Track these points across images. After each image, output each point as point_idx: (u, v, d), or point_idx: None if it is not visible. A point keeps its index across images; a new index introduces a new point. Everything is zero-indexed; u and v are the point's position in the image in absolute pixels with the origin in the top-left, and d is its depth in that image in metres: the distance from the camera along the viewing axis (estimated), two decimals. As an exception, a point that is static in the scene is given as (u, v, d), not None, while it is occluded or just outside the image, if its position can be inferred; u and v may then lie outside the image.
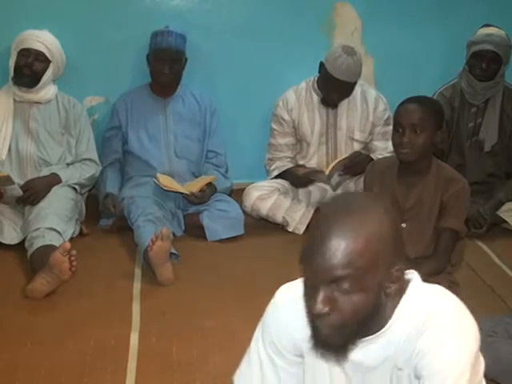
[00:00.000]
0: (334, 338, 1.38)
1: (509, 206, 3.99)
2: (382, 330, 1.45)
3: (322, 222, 1.39)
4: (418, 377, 1.44)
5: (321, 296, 1.35)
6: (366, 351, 1.47)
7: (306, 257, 1.38)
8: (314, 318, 1.39)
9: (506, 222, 3.99)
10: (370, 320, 1.40)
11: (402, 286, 1.44)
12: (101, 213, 3.92)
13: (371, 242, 1.34)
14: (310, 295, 1.39)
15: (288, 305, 1.59)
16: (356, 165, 3.91)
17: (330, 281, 1.34)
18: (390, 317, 1.44)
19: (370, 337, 1.45)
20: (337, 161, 3.92)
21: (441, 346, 1.40)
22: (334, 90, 3.93)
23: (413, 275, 1.49)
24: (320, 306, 1.35)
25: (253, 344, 1.67)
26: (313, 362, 1.56)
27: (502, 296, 3.13)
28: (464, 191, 2.86)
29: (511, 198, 3.99)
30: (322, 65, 3.94)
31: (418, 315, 1.43)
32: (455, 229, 2.85)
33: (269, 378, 1.63)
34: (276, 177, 4.14)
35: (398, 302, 1.44)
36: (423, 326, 1.42)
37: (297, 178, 4.04)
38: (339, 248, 1.33)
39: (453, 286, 2.58)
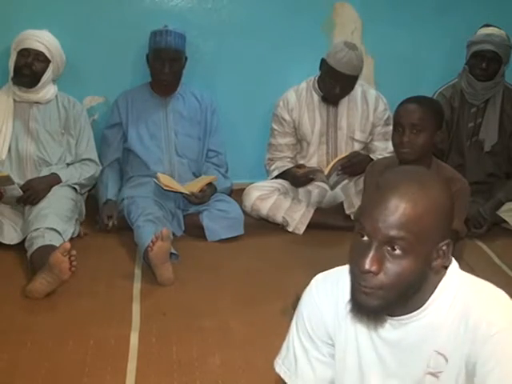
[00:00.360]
0: (373, 300, 1.40)
1: (509, 206, 3.99)
2: (420, 310, 1.47)
3: (387, 182, 1.42)
4: (471, 364, 1.44)
5: (372, 254, 1.37)
6: (403, 330, 1.49)
7: (364, 212, 1.41)
8: (359, 276, 1.40)
9: (506, 221, 3.99)
10: (411, 292, 1.41)
11: (446, 264, 1.46)
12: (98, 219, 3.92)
13: (429, 212, 1.38)
14: (359, 253, 1.40)
15: (322, 292, 1.61)
16: (354, 165, 3.92)
17: (384, 241, 1.37)
18: (429, 297, 1.47)
19: (408, 315, 1.47)
20: (336, 160, 3.92)
21: (497, 333, 1.41)
22: (335, 84, 3.92)
23: (452, 261, 1.51)
24: (369, 264, 1.37)
25: (290, 332, 1.69)
26: (345, 345, 1.58)
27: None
28: (464, 191, 2.86)
29: (511, 197, 4.00)
30: (323, 61, 3.95)
31: (459, 300, 1.46)
32: (455, 228, 2.85)
33: (302, 368, 1.65)
34: (276, 177, 4.14)
35: (438, 282, 1.47)
36: (468, 313, 1.44)
37: (296, 177, 4.04)
38: (399, 209, 1.36)
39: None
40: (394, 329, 1.50)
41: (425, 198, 1.38)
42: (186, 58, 4.05)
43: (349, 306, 1.46)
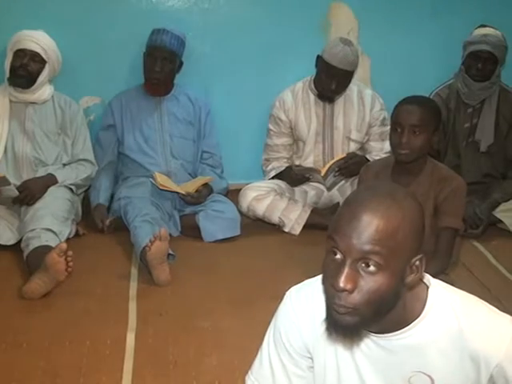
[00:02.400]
0: (348, 319, 1.38)
1: (505, 207, 4.00)
2: (406, 329, 1.46)
3: (358, 198, 1.40)
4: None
5: (346, 271, 1.35)
6: (386, 348, 1.49)
7: (337, 229, 1.39)
8: (333, 295, 1.38)
9: (502, 222, 3.99)
10: (386, 308, 1.41)
11: (420, 279, 1.46)
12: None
13: (402, 227, 1.36)
14: (333, 272, 1.38)
15: (298, 306, 1.60)
16: (351, 166, 3.92)
17: (358, 257, 1.35)
18: (410, 315, 1.46)
19: (393, 333, 1.47)
20: (332, 161, 3.93)
21: (497, 366, 1.42)
22: (331, 80, 3.91)
23: (428, 277, 1.51)
24: (344, 282, 1.35)
25: (264, 346, 1.68)
26: (324, 360, 1.58)
27: (499, 296, 3.13)
28: (459, 189, 2.87)
29: (507, 198, 4.00)
30: (318, 57, 3.95)
31: (450, 326, 1.45)
32: (454, 227, 2.86)
33: (279, 381, 1.64)
34: (273, 177, 4.14)
35: (417, 300, 1.47)
36: (464, 344, 1.44)
37: (292, 175, 4.04)
38: (372, 224, 1.35)
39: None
40: (377, 346, 1.50)
41: (397, 213, 1.37)
42: (181, 63, 4.05)
43: (325, 325, 1.44)
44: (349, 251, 1.36)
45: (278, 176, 4.13)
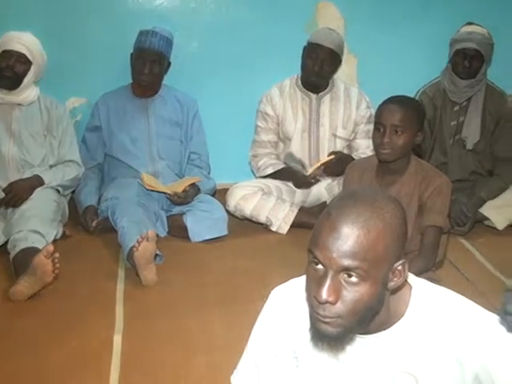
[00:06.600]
0: (333, 329, 1.38)
1: (491, 204, 4.01)
2: (390, 330, 1.47)
3: (338, 209, 1.38)
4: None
5: (328, 283, 1.35)
6: (370, 348, 1.49)
7: (317, 242, 1.37)
8: (316, 306, 1.38)
9: (488, 219, 4.01)
10: (370, 315, 1.40)
11: (403, 282, 1.45)
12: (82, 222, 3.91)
13: (383, 237, 1.35)
14: (315, 283, 1.38)
15: (282, 306, 1.60)
16: (336, 164, 3.94)
17: (338, 269, 1.34)
18: (394, 316, 1.46)
19: (375, 334, 1.47)
20: (314, 167, 3.95)
21: (482, 366, 1.41)
22: (315, 60, 3.93)
23: (411, 277, 1.51)
24: (326, 294, 1.34)
25: (249, 345, 1.68)
26: (308, 362, 1.58)
27: (485, 293, 3.14)
28: (444, 187, 2.87)
29: (493, 195, 4.02)
30: (304, 48, 4.00)
31: (433, 325, 1.45)
32: (439, 225, 2.87)
33: (265, 380, 1.64)
34: (268, 175, 4.14)
35: (401, 300, 1.47)
36: (448, 343, 1.43)
37: (302, 177, 4.04)
38: (351, 238, 1.33)
39: (434, 283, 2.60)
40: (361, 346, 1.50)
41: (378, 222, 1.35)
42: (169, 63, 4.04)
43: (310, 334, 1.44)
44: (329, 264, 1.35)
45: (274, 175, 4.12)
